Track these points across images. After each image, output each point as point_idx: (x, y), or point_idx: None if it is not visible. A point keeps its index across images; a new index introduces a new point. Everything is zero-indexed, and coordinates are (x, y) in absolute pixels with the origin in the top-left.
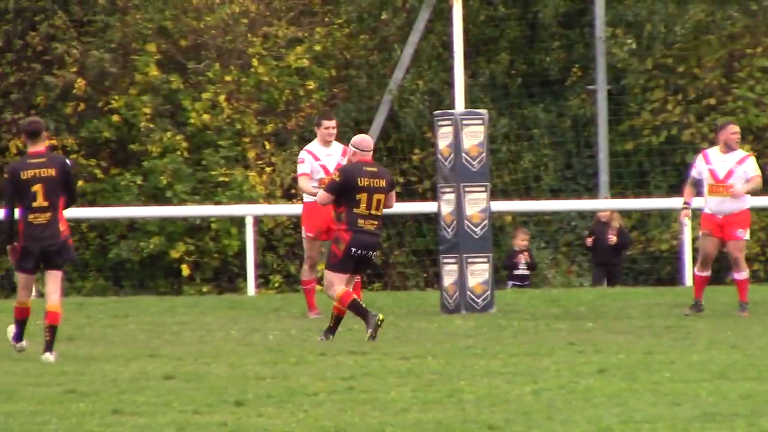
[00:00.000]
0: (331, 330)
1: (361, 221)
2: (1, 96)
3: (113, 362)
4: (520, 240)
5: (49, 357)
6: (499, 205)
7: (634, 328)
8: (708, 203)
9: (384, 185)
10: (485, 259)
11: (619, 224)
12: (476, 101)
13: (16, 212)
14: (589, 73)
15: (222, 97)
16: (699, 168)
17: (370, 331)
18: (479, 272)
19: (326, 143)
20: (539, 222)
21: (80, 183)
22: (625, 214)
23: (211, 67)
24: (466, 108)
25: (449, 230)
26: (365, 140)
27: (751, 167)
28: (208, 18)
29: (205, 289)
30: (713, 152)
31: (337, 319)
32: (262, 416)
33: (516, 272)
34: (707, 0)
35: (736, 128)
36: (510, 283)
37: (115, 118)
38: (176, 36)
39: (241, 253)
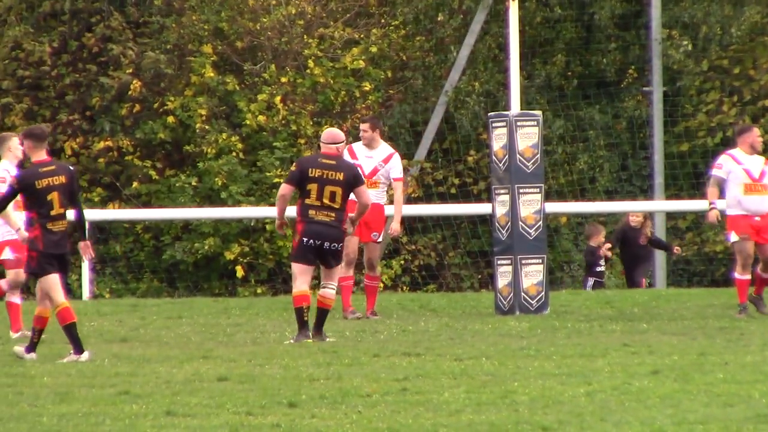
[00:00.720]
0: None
1: (312, 212)
2: (56, 97)
3: (167, 364)
4: (602, 236)
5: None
6: (554, 207)
7: (687, 330)
8: (745, 204)
9: (341, 178)
10: (539, 261)
11: (651, 231)
12: (532, 103)
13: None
14: (644, 75)
15: (278, 99)
16: (728, 168)
17: (292, 341)
18: (533, 273)
19: (368, 145)
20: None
21: (135, 184)
22: (680, 215)
23: (267, 68)
24: (521, 109)
25: (503, 231)
26: (328, 133)
27: None
28: (265, 19)
29: (259, 291)
30: (738, 153)
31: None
32: (316, 417)
33: (597, 269)
34: (763, 2)
35: (758, 131)
36: (591, 280)
37: (171, 119)
38: (232, 37)
39: None
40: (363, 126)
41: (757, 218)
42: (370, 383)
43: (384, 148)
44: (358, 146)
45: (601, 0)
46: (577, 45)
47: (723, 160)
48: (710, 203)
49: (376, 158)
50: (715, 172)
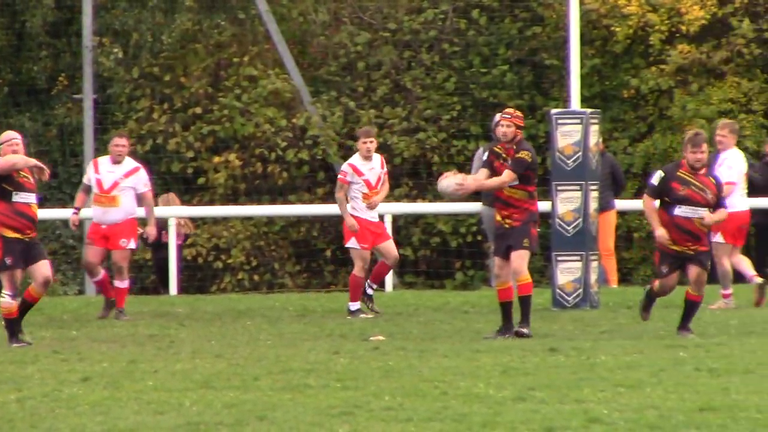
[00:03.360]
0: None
1: None
2: None
3: None
4: None
5: None
6: None
7: (118, 337)
8: (94, 213)
9: None
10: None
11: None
12: None
13: None
14: (76, 82)
15: None
16: (89, 175)
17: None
18: None
19: None
20: None
21: None
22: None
23: None
24: None
25: None
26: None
27: (145, 181)
28: None
29: None
30: (103, 161)
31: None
32: None
33: None
34: (195, 9)
35: (119, 141)
36: None
37: None
38: None
39: None
40: None
41: (104, 226)
42: None
43: None
44: None
45: (32, 8)
46: (8, 52)
47: (89, 167)
48: (75, 207)
49: None
50: (84, 179)
